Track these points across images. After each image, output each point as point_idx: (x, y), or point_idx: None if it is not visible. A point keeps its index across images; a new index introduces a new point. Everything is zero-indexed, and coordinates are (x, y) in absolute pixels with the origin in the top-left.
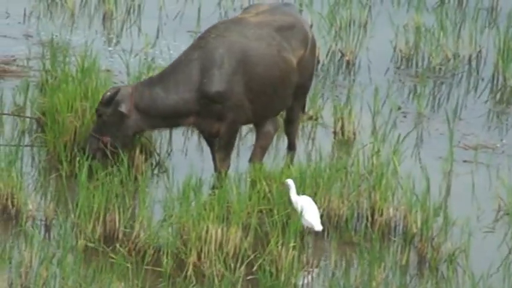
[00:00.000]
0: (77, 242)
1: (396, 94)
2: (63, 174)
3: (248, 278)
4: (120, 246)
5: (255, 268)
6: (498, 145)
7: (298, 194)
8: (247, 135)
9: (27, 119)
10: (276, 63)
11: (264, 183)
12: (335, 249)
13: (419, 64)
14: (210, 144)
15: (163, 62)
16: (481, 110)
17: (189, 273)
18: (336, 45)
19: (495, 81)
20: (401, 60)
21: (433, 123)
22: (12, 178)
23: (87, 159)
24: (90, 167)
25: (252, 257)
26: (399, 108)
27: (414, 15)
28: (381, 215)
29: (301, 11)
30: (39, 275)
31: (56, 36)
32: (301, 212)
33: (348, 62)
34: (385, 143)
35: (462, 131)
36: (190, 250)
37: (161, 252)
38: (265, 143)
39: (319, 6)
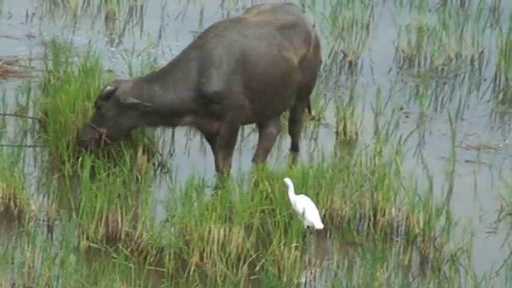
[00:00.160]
0: (79, 242)
1: (398, 94)
2: (66, 174)
3: (250, 278)
4: (123, 246)
5: (257, 268)
6: (500, 145)
7: (296, 193)
8: (249, 136)
9: (30, 120)
10: (276, 62)
11: (267, 183)
12: (337, 249)
13: (422, 64)
14: (211, 143)
15: (165, 62)
16: (484, 110)
17: (191, 273)
18: (339, 45)
19: (497, 82)
20: (404, 60)
21: (436, 123)
22: (15, 178)
23: (90, 156)
24: (92, 168)
25: (254, 257)
26: (401, 109)
27: (416, 15)
28: (383, 215)
29: (303, 11)
30: (42, 275)
31: (59, 36)
32: (302, 212)
33: (350, 63)
34: (388, 143)
35: (464, 131)
36: (193, 250)
37: (163, 253)
38: (268, 144)
39: (322, 6)
